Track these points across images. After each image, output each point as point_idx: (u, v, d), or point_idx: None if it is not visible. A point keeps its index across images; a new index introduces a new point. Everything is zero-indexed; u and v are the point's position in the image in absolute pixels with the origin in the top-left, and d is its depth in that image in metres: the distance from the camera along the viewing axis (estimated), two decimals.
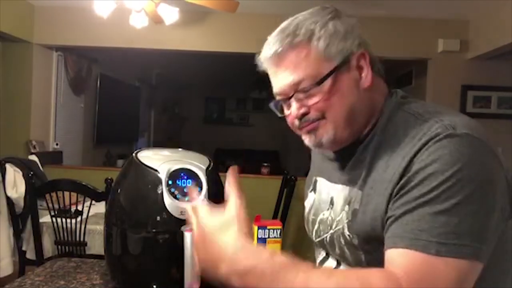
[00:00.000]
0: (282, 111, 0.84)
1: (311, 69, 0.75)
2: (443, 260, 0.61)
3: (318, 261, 0.90)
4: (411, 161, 0.67)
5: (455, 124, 0.67)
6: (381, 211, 0.70)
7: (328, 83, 0.75)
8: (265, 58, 0.79)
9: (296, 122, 0.80)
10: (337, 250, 0.81)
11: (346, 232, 0.77)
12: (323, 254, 0.89)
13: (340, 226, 0.79)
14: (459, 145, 0.65)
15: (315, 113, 0.77)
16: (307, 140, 0.81)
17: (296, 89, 0.77)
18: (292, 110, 0.79)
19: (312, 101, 0.76)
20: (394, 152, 0.71)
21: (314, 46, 0.75)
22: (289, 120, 0.83)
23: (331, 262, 0.86)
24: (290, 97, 0.78)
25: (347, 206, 0.78)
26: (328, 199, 0.85)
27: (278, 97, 0.82)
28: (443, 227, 0.61)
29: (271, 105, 0.85)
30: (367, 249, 0.73)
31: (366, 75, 0.77)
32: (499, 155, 0.68)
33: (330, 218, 0.82)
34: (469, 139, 0.66)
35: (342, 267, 0.83)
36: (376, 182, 0.72)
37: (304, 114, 0.78)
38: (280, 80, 0.79)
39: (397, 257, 0.64)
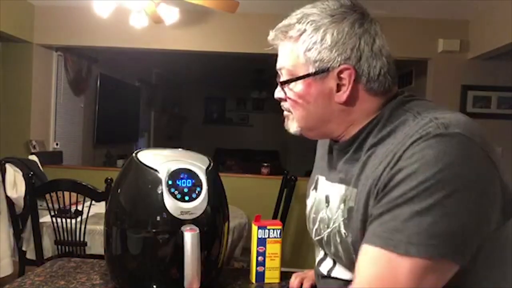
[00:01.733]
0: None
1: (290, 66, 0.79)
2: (411, 259, 0.61)
3: (317, 260, 0.91)
4: (399, 159, 0.67)
5: (449, 123, 0.66)
6: (368, 208, 0.70)
7: (297, 86, 0.79)
8: (271, 36, 0.84)
9: None
10: (332, 249, 0.81)
11: (342, 230, 0.77)
12: (322, 253, 0.89)
13: (336, 224, 0.79)
14: (446, 145, 0.64)
15: (286, 104, 0.83)
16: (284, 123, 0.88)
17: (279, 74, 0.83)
18: (275, 91, 0.85)
19: (283, 93, 0.82)
20: (387, 149, 0.71)
21: (299, 46, 0.77)
22: None
23: (328, 262, 0.86)
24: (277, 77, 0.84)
25: (342, 205, 0.78)
26: (324, 198, 0.86)
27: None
28: (416, 228, 0.61)
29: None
30: (359, 248, 0.73)
31: (343, 92, 0.76)
32: (495, 157, 0.66)
33: (327, 216, 0.83)
34: (459, 139, 0.64)
35: (337, 267, 0.83)
36: (368, 179, 0.72)
37: (281, 99, 0.84)
38: (278, 58, 0.83)
39: (369, 255, 0.66)
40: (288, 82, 0.80)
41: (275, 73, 0.85)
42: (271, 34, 0.82)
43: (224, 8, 2.74)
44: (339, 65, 0.75)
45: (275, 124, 8.12)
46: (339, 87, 0.76)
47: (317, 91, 0.77)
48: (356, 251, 0.74)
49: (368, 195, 0.71)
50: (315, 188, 0.93)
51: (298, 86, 0.79)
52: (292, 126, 0.84)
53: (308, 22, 0.76)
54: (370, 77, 0.76)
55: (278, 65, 0.82)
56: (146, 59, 5.59)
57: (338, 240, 0.78)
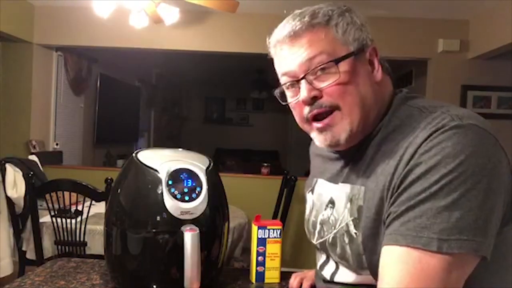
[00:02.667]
0: (286, 99, 0.81)
1: (329, 48, 0.73)
2: (442, 256, 0.60)
3: (319, 264, 0.89)
4: (414, 152, 0.65)
5: (462, 115, 0.66)
6: (384, 205, 0.69)
7: (345, 65, 0.73)
8: (278, 38, 0.77)
9: (306, 110, 0.75)
10: (338, 250, 0.79)
11: (352, 230, 0.75)
12: (323, 257, 0.87)
13: (343, 224, 0.77)
14: (464, 136, 0.63)
15: (327, 99, 0.73)
16: (320, 139, 0.77)
17: (309, 68, 0.73)
18: (302, 94, 0.74)
19: (325, 83, 0.73)
20: (397, 145, 0.70)
21: (333, 29, 0.74)
22: (296, 109, 0.79)
23: (331, 265, 0.85)
24: (301, 79, 0.74)
25: (349, 204, 0.77)
26: (327, 199, 0.84)
27: (285, 79, 0.78)
28: (445, 223, 0.60)
29: (276, 92, 0.81)
30: (370, 247, 0.72)
31: (377, 71, 0.77)
32: (504, 147, 0.67)
33: (333, 217, 0.81)
34: (475, 130, 0.64)
35: (340, 270, 0.82)
36: (379, 176, 0.71)
37: (315, 98, 0.74)
38: (293, 58, 0.75)
39: (395, 256, 0.63)
40: (341, 59, 0.72)
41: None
42: (297, 23, 0.74)
43: (224, 8, 2.74)
44: (369, 44, 0.77)
45: (275, 124, 8.16)
46: (372, 66, 0.77)
47: (363, 70, 0.75)
48: (365, 250, 0.73)
49: (382, 194, 0.69)
50: (312, 191, 0.92)
51: (344, 66, 0.72)
52: (344, 129, 0.74)
53: (328, 11, 0.75)
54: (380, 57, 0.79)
55: (312, 53, 0.73)
56: (146, 59, 5.59)
57: (347, 240, 0.77)
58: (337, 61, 0.72)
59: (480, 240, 0.61)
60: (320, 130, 0.76)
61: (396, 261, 0.63)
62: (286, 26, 0.76)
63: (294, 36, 0.74)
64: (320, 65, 0.73)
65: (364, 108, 0.74)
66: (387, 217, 0.67)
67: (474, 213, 0.61)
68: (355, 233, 0.75)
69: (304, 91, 0.74)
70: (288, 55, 0.76)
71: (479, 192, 0.61)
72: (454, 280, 0.61)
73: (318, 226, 0.86)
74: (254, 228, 1.08)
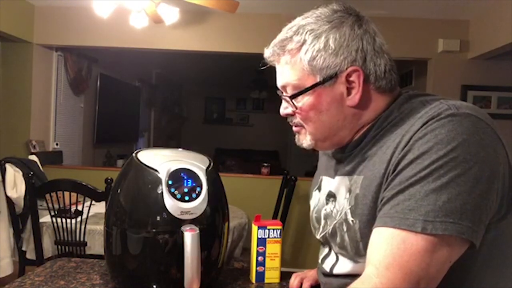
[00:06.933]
0: None
1: (295, 79, 0.77)
2: (426, 237, 0.61)
3: (321, 258, 0.91)
4: (410, 139, 0.67)
5: (459, 105, 0.67)
6: (380, 191, 0.70)
7: (306, 97, 0.77)
8: (267, 53, 0.82)
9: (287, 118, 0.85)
10: (338, 239, 0.81)
11: (349, 218, 0.77)
12: (326, 250, 0.89)
13: (342, 213, 0.79)
14: (459, 124, 0.64)
15: (297, 119, 0.82)
16: (295, 139, 0.87)
17: (283, 91, 0.82)
18: (281, 108, 0.84)
19: (293, 108, 0.80)
20: (396, 134, 0.72)
21: (302, 57, 0.75)
22: None
23: (332, 258, 0.86)
24: (280, 96, 0.83)
25: (348, 194, 0.78)
26: (328, 193, 0.86)
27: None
28: (432, 205, 0.61)
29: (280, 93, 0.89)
30: (367, 234, 0.73)
31: (355, 94, 0.75)
32: (504, 140, 0.67)
33: (335, 210, 0.83)
34: (470, 119, 0.65)
35: (339, 261, 0.83)
36: (376, 164, 0.73)
37: (288, 115, 0.83)
38: (277, 76, 0.82)
39: (382, 237, 0.65)
40: (297, 95, 0.77)
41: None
42: (267, 51, 0.80)
43: (224, 8, 2.74)
44: (346, 68, 0.74)
45: (275, 124, 8.16)
46: (349, 91, 0.76)
47: (329, 98, 0.76)
48: (362, 237, 0.74)
49: (378, 180, 0.71)
50: (318, 188, 0.93)
51: (308, 98, 0.77)
52: (306, 140, 0.82)
53: (306, 32, 0.75)
54: (378, 75, 0.76)
55: (281, 83, 0.80)
56: (146, 59, 5.59)
57: (345, 228, 0.78)
58: (295, 96, 0.78)
59: (467, 224, 0.61)
60: (294, 133, 0.86)
61: (381, 242, 0.65)
62: (272, 44, 0.80)
63: (274, 57, 0.80)
64: (285, 96, 0.80)
65: (326, 131, 0.80)
66: (380, 202, 0.69)
67: (462, 198, 0.61)
68: (352, 221, 0.76)
69: (281, 108, 0.84)
70: (277, 70, 0.83)
71: (468, 178, 0.62)
72: (437, 262, 0.62)
73: (323, 221, 0.88)
74: (254, 228, 1.08)
